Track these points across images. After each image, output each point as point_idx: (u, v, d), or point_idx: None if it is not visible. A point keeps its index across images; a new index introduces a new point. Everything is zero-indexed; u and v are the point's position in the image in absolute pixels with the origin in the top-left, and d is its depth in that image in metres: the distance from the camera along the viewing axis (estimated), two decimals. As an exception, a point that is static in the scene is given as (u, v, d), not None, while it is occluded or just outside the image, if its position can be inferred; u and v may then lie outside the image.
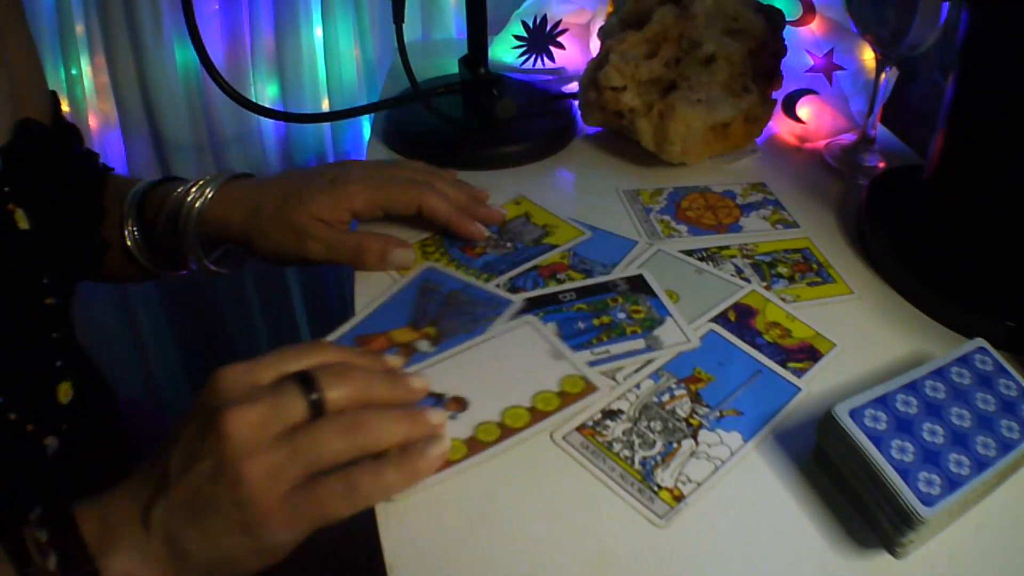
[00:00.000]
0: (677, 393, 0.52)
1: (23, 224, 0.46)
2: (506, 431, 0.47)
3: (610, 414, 0.50)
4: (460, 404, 0.48)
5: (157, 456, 0.40)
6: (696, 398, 0.52)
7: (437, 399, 0.48)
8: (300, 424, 0.39)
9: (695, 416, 0.50)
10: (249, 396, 0.39)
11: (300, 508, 0.38)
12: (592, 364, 0.53)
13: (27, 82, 0.53)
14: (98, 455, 0.55)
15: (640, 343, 0.55)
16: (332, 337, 0.54)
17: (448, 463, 0.45)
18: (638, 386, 0.52)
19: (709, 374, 0.54)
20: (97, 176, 0.63)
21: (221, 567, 0.39)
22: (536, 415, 0.48)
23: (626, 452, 0.48)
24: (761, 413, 0.51)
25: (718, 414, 0.51)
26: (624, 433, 0.49)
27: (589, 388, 0.50)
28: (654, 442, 0.49)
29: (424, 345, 0.53)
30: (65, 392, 0.49)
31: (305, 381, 0.40)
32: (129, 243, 0.63)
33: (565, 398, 0.49)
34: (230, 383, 0.40)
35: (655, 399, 0.51)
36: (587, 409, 0.50)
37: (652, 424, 0.50)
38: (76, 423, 0.50)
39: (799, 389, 0.53)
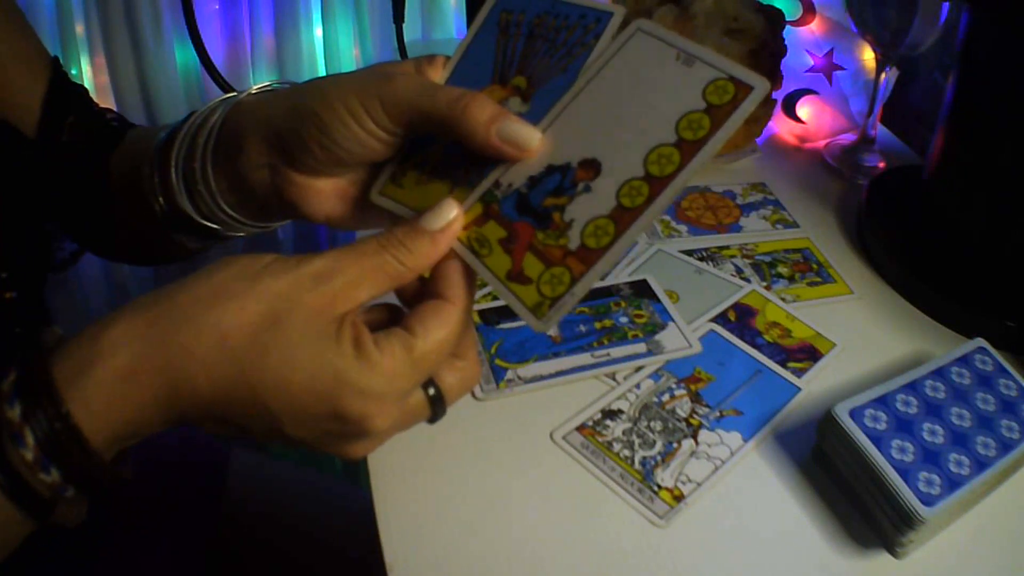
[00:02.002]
0: (677, 393, 0.52)
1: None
2: (655, 184, 0.34)
3: (610, 414, 0.50)
4: (591, 169, 0.36)
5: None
6: (696, 398, 0.52)
7: (561, 173, 0.37)
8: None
9: (695, 416, 0.50)
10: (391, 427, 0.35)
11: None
12: (592, 367, 0.53)
13: (10, 56, 0.50)
14: None
15: (641, 347, 0.55)
16: None
17: (596, 251, 0.35)
18: (638, 386, 0.52)
19: (709, 374, 0.54)
20: (96, 155, 0.54)
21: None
22: (686, 149, 0.35)
23: (626, 452, 0.48)
24: (761, 413, 0.51)
25: (718, 414, 0.51)
26: (624, 433, 0.49)
27: (741, 91, 0.35)
28: (654, 442, 0.49)
29: (515, 104, 0.40)
30: None
31: (435, 401, 0.36)
32: (157, 205, 0.49)
33: (715, 114, 0.35)
34: (380, 423, 0.33)
35: (655, 399, 0.51)
36: (587, 409, 0.50)
37: (652, 424, 0.50)
38: None
39: (799, 389, 0.53)
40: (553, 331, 0.56)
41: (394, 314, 0.36)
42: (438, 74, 0.42)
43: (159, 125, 0.55)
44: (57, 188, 0.53)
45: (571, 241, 0.35)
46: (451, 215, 0.36)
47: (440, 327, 0.33)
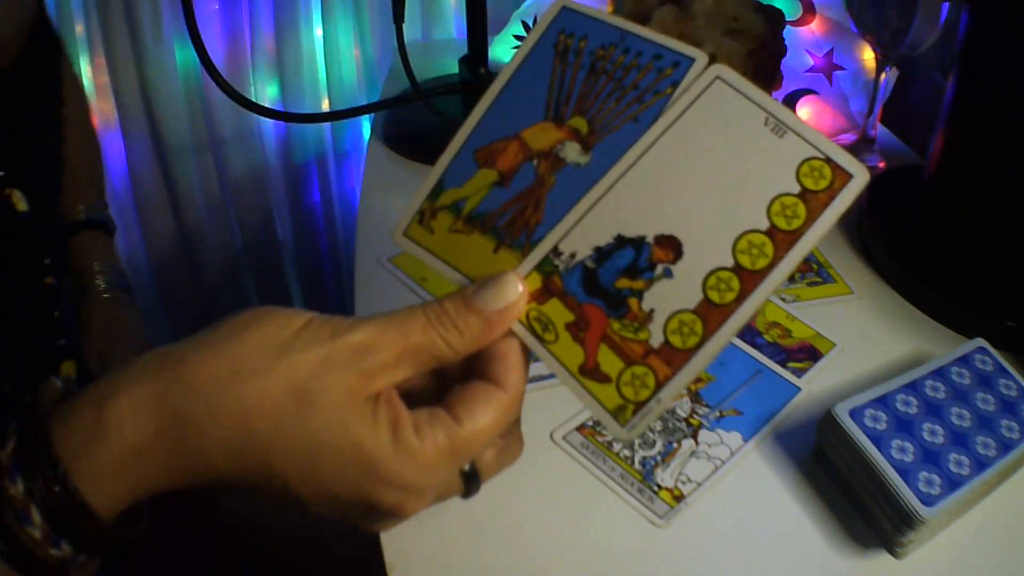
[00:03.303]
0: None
1: (21, 206, 0.46)
2: (746, 278, 0.29)
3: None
4: (670, 248, 0.31)
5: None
6: (696, 398, 0.52)
7: (635, 247, 0.31)
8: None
9: (695, 416, 0.50)
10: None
11: None
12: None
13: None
14: None
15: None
16: (446, 153, 0.35)
17: (683, 352, 0.30)
18: None
19: (709, 374, 0.54)
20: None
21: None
22: (780, 240, 0.30)
23: (626, 452, 0.48)
24: (761, 413, 0.51)
25: (718, 414, 0.51)
26: None
27: (838, 178, 0.30)
28: (654, 442, 0.49)
29: (573, 152, 0.33)
30: (68, 370, 0.49)
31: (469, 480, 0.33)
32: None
33: (811, 201, 0.30)
34: (415, 507, 0.31)
35: None
36: (587, 409, 0.50)
37: (652, 424, 0.50)
38: None
39: (799, 389, 0.53)
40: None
41: (435, 379, 0.32)
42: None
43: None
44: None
45: (653, 337, 0.30)
46: (512, 296, 0.31)
47: (488, 414, 0.29)
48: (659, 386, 0.30)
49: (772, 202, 0.30)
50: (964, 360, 0.49)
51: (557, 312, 0.32)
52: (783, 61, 0.77)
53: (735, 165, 0.31)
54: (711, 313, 0.29)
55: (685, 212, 0.31)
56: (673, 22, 0.75)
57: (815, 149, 0.31)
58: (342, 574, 0.66)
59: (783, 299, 0.61)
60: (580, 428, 0.49)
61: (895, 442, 0.43)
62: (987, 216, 0.60)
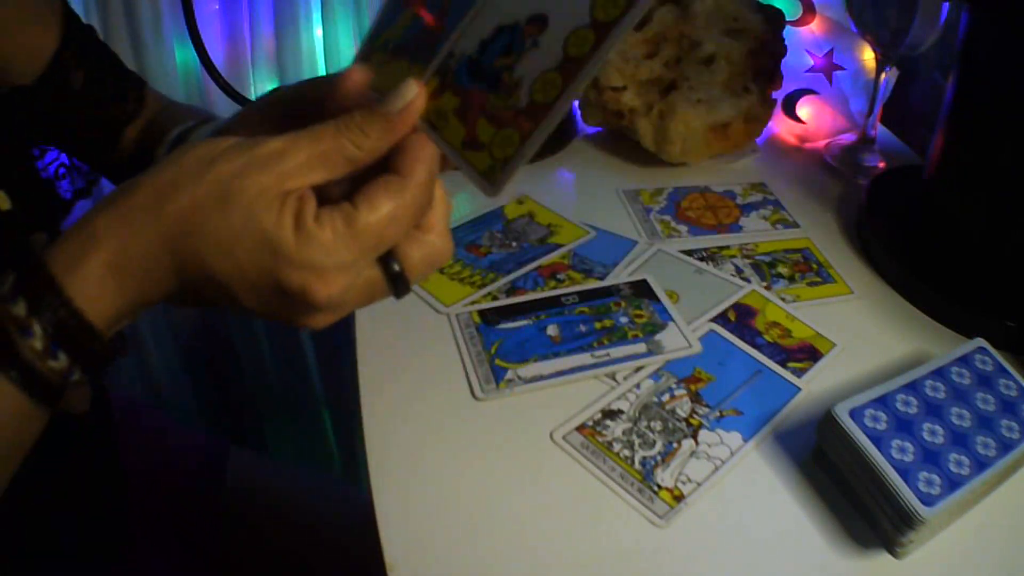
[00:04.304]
0: (677, 393, 0.52)
1: (4, 205, 0.46)
2: (601, 29, 0.34)
3: (610, 414, 0.50)
4: (538, 24, 0.36)
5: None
6: (696, 398, 0.52)
7: (511, 32, 0.36)
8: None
9: (695, 416, 0.50)
10: (342, 300, 0.34)
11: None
12: (592, 367, 0.53)
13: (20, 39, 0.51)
14: (87, 438, 0.55)
15: (641, 347, 0.55)
16: (383, 7, 0.42)
17: (543, 107, 0.35)
18: (638, 386, 0.52)
19: (709, 374, 0.54)
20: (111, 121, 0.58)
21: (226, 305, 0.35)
22: None
23: (626, 452, 0.48)
24: (761, 413, 0.51)
25: (718, 414, 0.51)
26: (624, 433, 0.49)
27: None
28: (654, 442, 0.49)
29: None
30: None
31: (387, 260, 0.35)
32: None
33: None
34: (324, 295, 0.33)
35: (655, 399, 0.51)
36: (587, 409, 0.51)
37: (652, 424, 0.50)
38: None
39: (799, 389, 0.53)
40: (553, 331, 0.56)
41: (357, 186, 0.35)
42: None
43: (176, 108, 0.59)
44: (62, 132, 0.55)
45: (521, 100, 0.35)
46: (410, 95, 0.35)
47: (387, 200, 0.33)
48: (523, 140, 0.35)
49: None
50: (964, 360, 0.49)
51: (448, 101, 0.37)
52: (783, 61, 0.77)
53: None
54: (569, 66, 0.34)
55: None
56: (673, 22, 0.75)
57: None
58: (342, 574, 0.66)
59: (783, 299, 0.61)
60: (580, 428, 0.49)
61: (895, 442, 0.43)
62: (987, 216, 0.60)
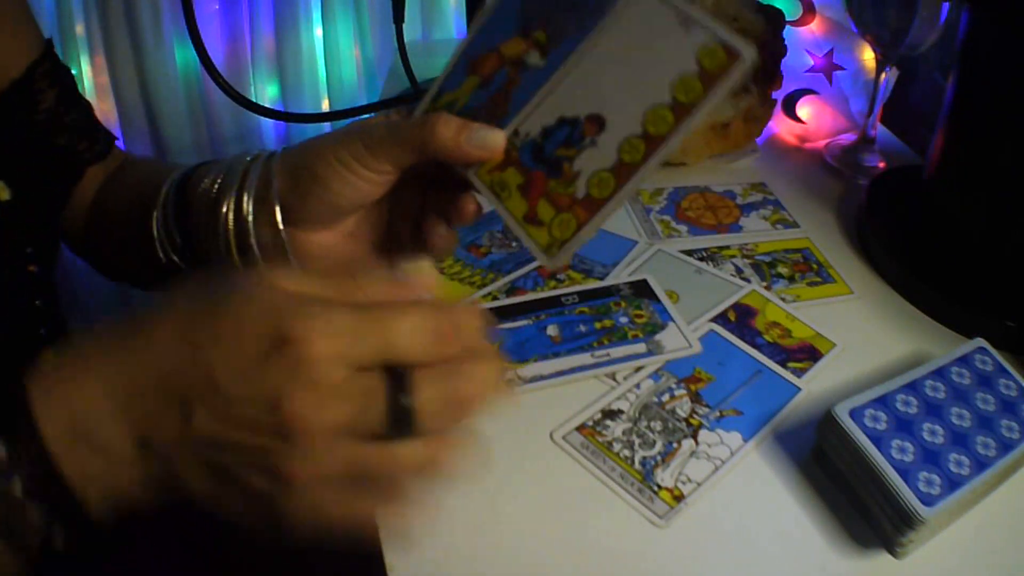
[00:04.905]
0: (677, 393, 0.52)
1: (4, 195, 0.46)
2: (651, 142, 0.38)
3: (610, 414, 0.50)
4: (596, 124, 0.40)
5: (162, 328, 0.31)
6: (696, 398, 0.52)
7: (571, 125, 0.40)
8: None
9: (695, 416, 0.50)
10: (334, 387, 0.29)
11: (335, 507, 0.32)
12: (592, 367, 0.53)
13: (3, 39, 0.51)
14: None
15: (641, 347, 0.55)
16: (447, 67, 0.46)
17: (599, 201, 0.39)
18: (638, 386, 0.52)
19: (709, 374, 0.54)
20: (86, 143, 0.57)
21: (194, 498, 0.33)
22: (680, 111, 0.38)
23: (626, 452, 0.48)
24: (761, 413, 0.51)
25: (718, 414, 0.51)
26: (624, 433, 0.49)
27: (731, 58, 0.37)
28: (654, 442, 0.49)
29: (534, 58, 0.43)
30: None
31: (398, 379, 0.30)
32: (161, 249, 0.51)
33: (707, 79, 0.38)
34: (323, 347, 0.29)
35: (655, 399, 0.51)
36: (587, 409, 0.50)
37: (652, 424, 0.50)
38: None
39: (799, 389, 0.53)
40: (553, 331, 0.56)
41: None
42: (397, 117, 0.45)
43: (155, 165, 0.59)
44: (22, 154, 0.53)
45: (578, 190, 0.40)
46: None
47: (326, 285, 0.31)
48: (579, 227, 0.39)
49: (675, 80, 0.38)
50: (964, 360, 0.49)
51: (512, 177, 0.41)
52: (783, 61, 0.77)
53: (649, 55, 0.39)
54: (622, 170, 0.39)
55: (609, 96, 0.40)
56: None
57: (713, 35, 0.38)
58: (342, 574, 0.66)
59: (783, 299, 0.61)
60: (580, 428, 0.49)
61: (895, 442, 0.43)
62: (987, 216, 0.60)
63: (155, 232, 0.49)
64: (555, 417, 0.50)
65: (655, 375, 0.53)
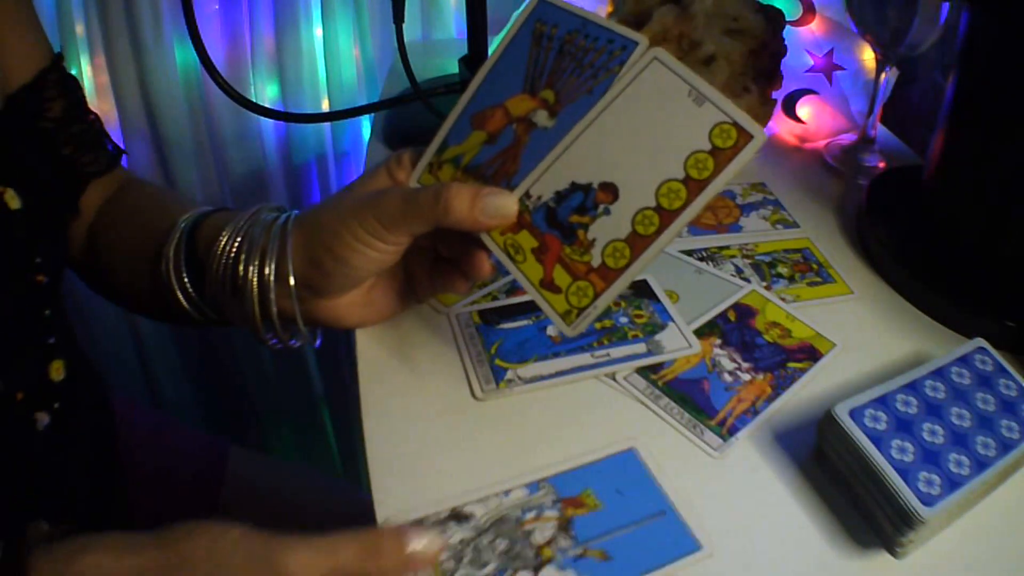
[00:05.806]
0: (546, 513, 0.43)
1: (14, 204, 0.46)
2: (664, 216, 0.39)
3: (458, 516, 0.43)
4: (610, 192, 0.40)
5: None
6: (565, 525, 0.43)
7: (584, 192, 0.41)
8: None
9: (551, 547, 0.41)
10: None
11: None
12: (592, 367, 0.53)
13: (15, 42, 0.52)
14: (88, 438, 0.55)
15: (642, 347, 0.55)
16: (450, 118, 0.46)
17: (614, 271, 0.40)
18: (507, 492, 0.44)
19: (599, 500, 0.44)
20: (93, 153, 0.58)
21: None
22: (692, 187, 0.39)
23: (449, 564, 0.40)
24: (634, 564, 0.41)
25: (580, 551, 0.41)
26: (460, 542, 0.41)
27: (743, 138, 0.38)
28: (485, 563, 0.40)
29: (542, 118, 0.43)
30: (57, 370, 0.49)
31: None
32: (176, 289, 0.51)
33: (719, 157, 0.38)
34: None
35: (518, 513, 0.43)
36: (438, 504, 0.44)
37: (496, 542, 0.42)
38: (68, 402, 0.50)
39: (699, 548, 0.42)
40: (553, 331, 0.56)
41: None
42: (405, 172, 0.47)
43: (158, 198, 0.58)
44: (25, 162, 0.52)
45: (593, 259, 0.40)
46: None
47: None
48: (596, 296, 0.40)
49: (688, 157, 0.39)
50: (964, 360, 0.49)
51: (526, 240, 0.42)
52: (783, 61, 0.77)
53: (662, 128, 0.40)
54: (637, 241, 0.39)
55: (622, 165, 0.40)
56: (673, 22, 0.75)
57: (725, 115, 0.38)
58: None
59: (783, 299, 0.61)
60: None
61: (895, 442, 0.43)
62: (987, 216, 0.60)
63: (163, 275, 0.51)
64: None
65: (534, 485, 0.45)
